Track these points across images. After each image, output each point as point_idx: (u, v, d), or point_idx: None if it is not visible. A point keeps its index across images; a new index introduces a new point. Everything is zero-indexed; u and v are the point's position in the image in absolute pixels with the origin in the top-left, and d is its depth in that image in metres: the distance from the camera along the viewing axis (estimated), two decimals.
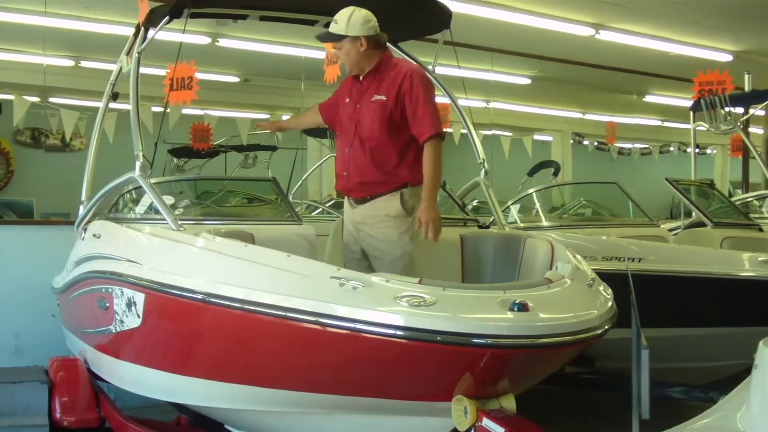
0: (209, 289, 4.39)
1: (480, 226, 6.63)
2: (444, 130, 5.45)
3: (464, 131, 7.14)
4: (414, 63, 6.05)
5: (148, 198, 5.78)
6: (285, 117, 14.31)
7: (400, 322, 3.75)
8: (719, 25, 12.18)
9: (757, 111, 11.64)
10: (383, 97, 5.40)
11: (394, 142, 5.42)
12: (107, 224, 6.17)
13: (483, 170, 6.69)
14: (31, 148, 13.96)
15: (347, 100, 5.62)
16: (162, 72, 6.50)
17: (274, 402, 4.48)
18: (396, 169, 5.42)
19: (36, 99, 12.12)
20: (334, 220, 7.05)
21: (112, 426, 6.00)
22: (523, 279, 5.28)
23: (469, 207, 8.41)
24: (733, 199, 10.56)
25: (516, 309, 3.81)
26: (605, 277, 4.84)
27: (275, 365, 4.37)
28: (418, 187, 5.36)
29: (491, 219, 6.66)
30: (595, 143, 18.65)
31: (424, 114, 5.33)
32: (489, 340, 3.71)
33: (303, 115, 6.79)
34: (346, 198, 5.68)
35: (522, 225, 8.42)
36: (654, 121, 20.13)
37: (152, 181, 5.65)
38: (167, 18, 5.88)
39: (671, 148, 19.36)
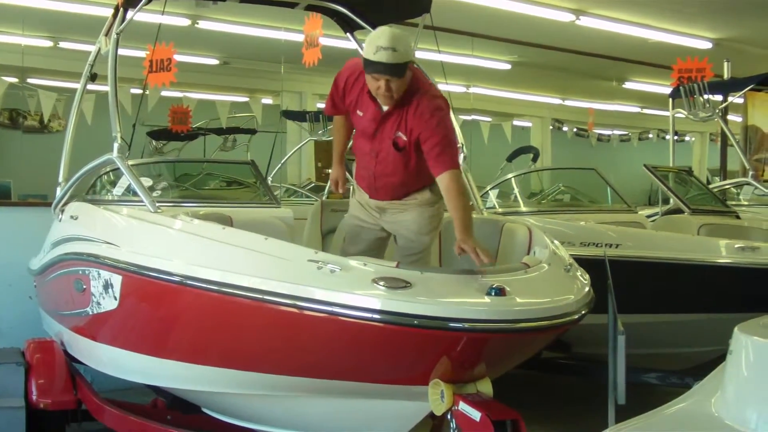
0: (186, 271, 4.39)
1: None
2: None
3: None
4: (432, 88, 5.27)
5: (126, 180, 5.77)
6: (264, 100, 14.38)
7: (378, 306, 3.74)
8: (699, 13, 12.20)
9: (735, 99, 11.69)
10: (404, 137, 5.06)
11: (416, 164, 5.16)
12: (85, 206, 6.15)
13: (462, 155, 6.67)
14: (8, 129, 13.83)
15: (360, 113, 5.21)
16: (141, 53, 6.45)
17: (251, 385, 4.47)
18: (422, 174, 5.18)
19: (14, 80, 12.06)
20: (312, 204, 7.04)
21: (88, 408, 5.99)
22: (501, 264, 5.28)
23: None
24: (711, 186, 10.62)
25: (493, 293, 3.80)
26: (583, 262, 4.83)
27: (252, 348, 4.37)
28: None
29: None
30: (575, 129, 18.64)
31: (443, 153, 4.99)
32: (466, 324, 3.70)
33: (340, 135, 5.74)
34: (357, 186, 5.48)
35: (500, 210, 8.43)
36: (633, 108, 20.18)
37: (130, 162, 5.64)
38: None
39: (650, 135, 19.37)
